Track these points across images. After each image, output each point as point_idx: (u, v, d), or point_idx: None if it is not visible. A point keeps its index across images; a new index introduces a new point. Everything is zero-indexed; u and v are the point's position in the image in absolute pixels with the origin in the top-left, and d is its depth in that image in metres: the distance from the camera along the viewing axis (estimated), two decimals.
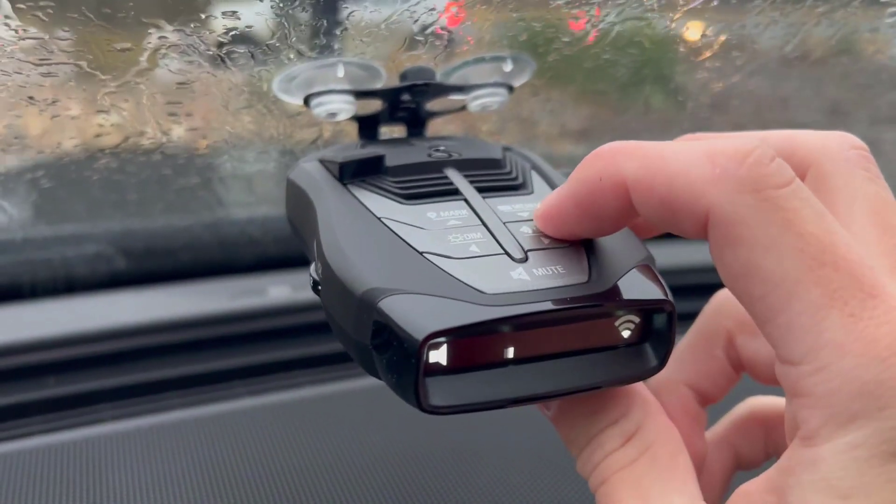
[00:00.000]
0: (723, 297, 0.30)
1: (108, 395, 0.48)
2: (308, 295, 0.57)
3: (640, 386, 0.24)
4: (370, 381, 0.50)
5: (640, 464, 0.22)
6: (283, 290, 0.59)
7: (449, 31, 0.50)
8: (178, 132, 0.53)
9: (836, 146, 0.24)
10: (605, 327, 0.23)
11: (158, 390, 0.49)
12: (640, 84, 0.67)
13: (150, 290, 0.58)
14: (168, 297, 0.57)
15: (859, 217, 0.23)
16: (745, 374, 0.30)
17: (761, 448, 0.31)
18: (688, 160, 0.21)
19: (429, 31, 0.49)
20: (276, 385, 0.50)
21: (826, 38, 0.67)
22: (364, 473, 0.41)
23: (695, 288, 0.36)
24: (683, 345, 0.31)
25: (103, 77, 0.46)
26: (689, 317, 0.31)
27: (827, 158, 0.24)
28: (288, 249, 0.62)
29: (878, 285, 0.19)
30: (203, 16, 0.45)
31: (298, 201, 0.29)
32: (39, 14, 0.41)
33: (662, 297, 0.23)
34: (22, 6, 0.40)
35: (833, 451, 0.19)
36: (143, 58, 0.46)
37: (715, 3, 0.59)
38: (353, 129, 0.35)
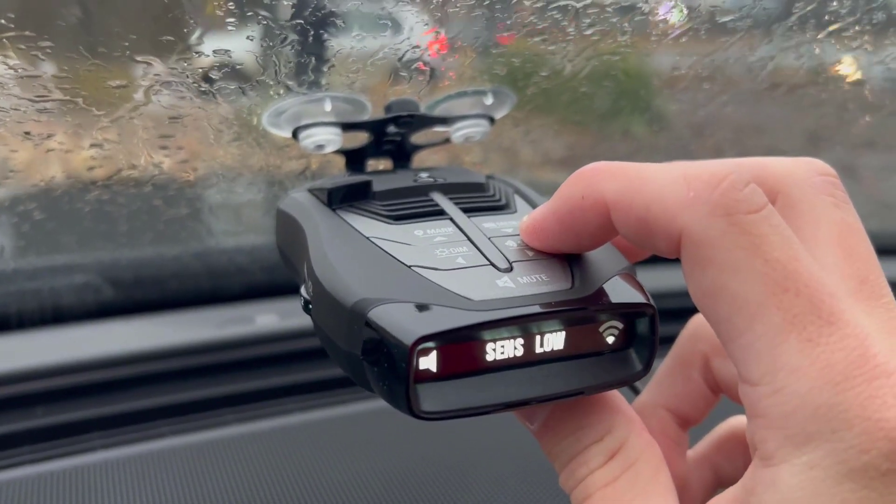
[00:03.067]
0: (698, 321, 0.31)
1: (97, 423, 0.48)
2: (295, 323, 0.57)
3: (623, 403, 0.25)
4: (357, 407, 0.51)
5: (623, 481, 0.23)
6: (271, 318, 0.59)
7: (431, 67, 0.52)
8: (169, 164, 0.54)
9: (804, 173, 0.25)
10: (591, 334, 0.24)
11: (147, 419, 0.49)
12: (617, 114, 0.69)
13: (139, 319, 0.58)
14: (157, 326, 0.58)
15: (823, 242, 0.24)
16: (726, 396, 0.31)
17: (742, 467, 0.31)
18: (665, 182, 0.22)
19: (412, 66, 0.50)
20: (264, 412, 0.51)
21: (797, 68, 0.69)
22: (352, 497, 0.42)
23: (672, 312, 0.37)
24: (661, 369, 0.31)
25: (98, 112, 0.47)
26: (668, 340, 0.32)
27: (794, 185, 0.25)
28: (275, 278, 0.62)
29: (836, 312, 0.20)
30: (195, 54, 0.46)
31: (288, 228, 0.30)
32: (38, 54, 0.42)
33: (644, 300, 0.24)
34: (22, 46, 0.41)
35: (790, 471, 0.20)
36: (137, 94, 0.47)
37: (684, 39, 0.61)
38: (341, 162, 0.36)
